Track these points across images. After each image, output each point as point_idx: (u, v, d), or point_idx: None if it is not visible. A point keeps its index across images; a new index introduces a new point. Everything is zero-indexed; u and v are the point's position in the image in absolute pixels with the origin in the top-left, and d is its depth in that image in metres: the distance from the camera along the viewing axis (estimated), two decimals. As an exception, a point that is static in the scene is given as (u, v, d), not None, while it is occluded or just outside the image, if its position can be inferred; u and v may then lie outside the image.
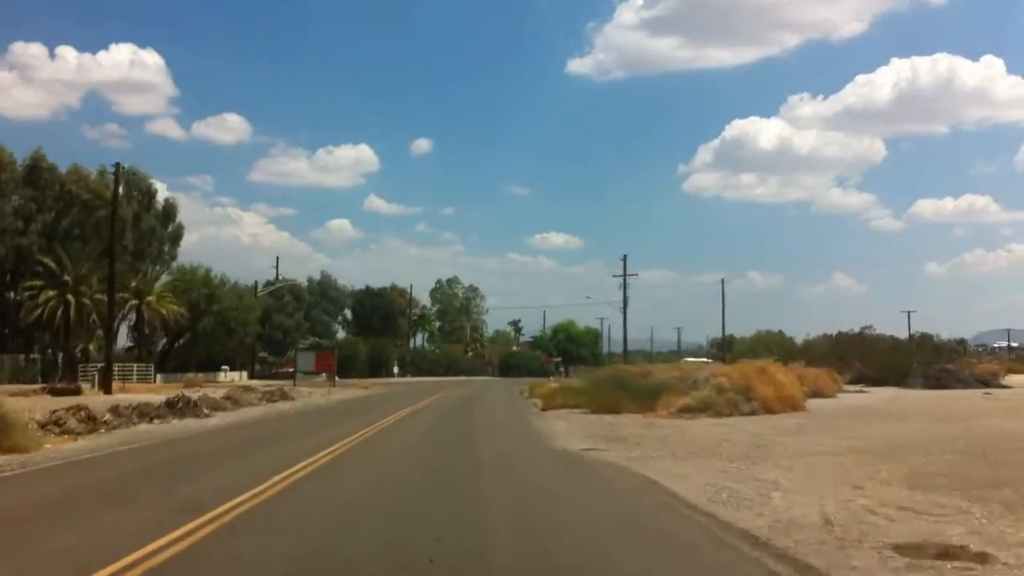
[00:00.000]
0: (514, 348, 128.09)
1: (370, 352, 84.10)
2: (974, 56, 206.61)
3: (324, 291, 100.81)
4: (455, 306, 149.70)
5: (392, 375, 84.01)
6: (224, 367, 67.20)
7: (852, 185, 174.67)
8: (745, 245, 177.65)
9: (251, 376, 70.03)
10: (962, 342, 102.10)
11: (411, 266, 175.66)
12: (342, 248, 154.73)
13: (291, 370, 76.62)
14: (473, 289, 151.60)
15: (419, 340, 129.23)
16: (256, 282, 74.98)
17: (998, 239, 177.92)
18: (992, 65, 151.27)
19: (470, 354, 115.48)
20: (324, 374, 56.85)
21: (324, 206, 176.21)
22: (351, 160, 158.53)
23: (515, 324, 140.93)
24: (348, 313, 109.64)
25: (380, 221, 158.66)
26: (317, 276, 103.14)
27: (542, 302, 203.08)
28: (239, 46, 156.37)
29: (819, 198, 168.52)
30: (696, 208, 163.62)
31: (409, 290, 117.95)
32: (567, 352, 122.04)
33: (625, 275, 66.08)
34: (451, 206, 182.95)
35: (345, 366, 79.98)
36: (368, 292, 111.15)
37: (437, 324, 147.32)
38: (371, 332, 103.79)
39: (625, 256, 67.09)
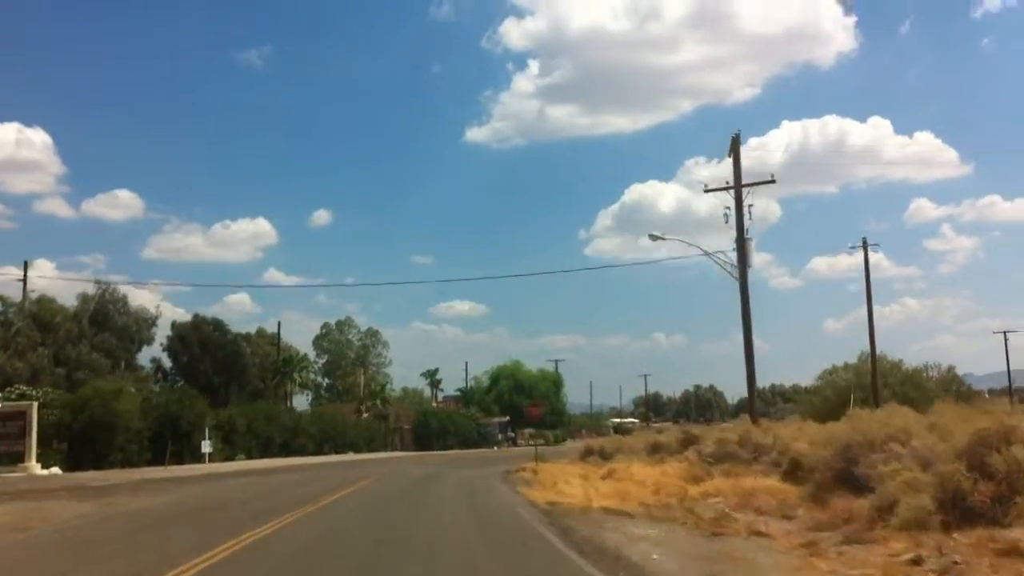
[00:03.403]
0: (434, 405, 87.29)
1: (158, 415, 42.13)
2: (862, 117, 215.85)
3: (104, 317, 58.28)
4: (349, 357, 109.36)
5: (202, 456, 42.14)
6: None
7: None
8: (648, 307, 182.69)
9: None
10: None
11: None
12: (242, 322, 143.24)
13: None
14: (372, 333, 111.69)
15: (302, 402, 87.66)
16: None
17: (891, 294, 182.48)
18: (879, 125, 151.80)
19: (366, 415, 73.51)
20: None
21: (222, 281, 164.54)
22: (249, 234, 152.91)
23: (431, 374, 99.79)
24: (165, 356, 67.73)
25: (280, 294, 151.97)
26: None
27: (452, 369, 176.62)
28: (129, 122, 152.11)
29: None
30: (599, 272, 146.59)
31: (277, 328, 77.31)
32: (514, 407, 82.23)
33: (738, 171, 26.42)
34: (353, 277, 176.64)
35: (87, 442, 38.33)
36: (196, 325, 69.28)
37: (324, 381, 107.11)
38: (202, 386, 62.87)
39: (738, 134, 27.54)
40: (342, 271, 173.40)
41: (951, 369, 61.77)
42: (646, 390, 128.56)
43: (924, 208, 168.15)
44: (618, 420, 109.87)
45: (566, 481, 20.51)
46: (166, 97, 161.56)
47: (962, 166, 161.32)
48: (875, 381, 40.33)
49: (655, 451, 28.03)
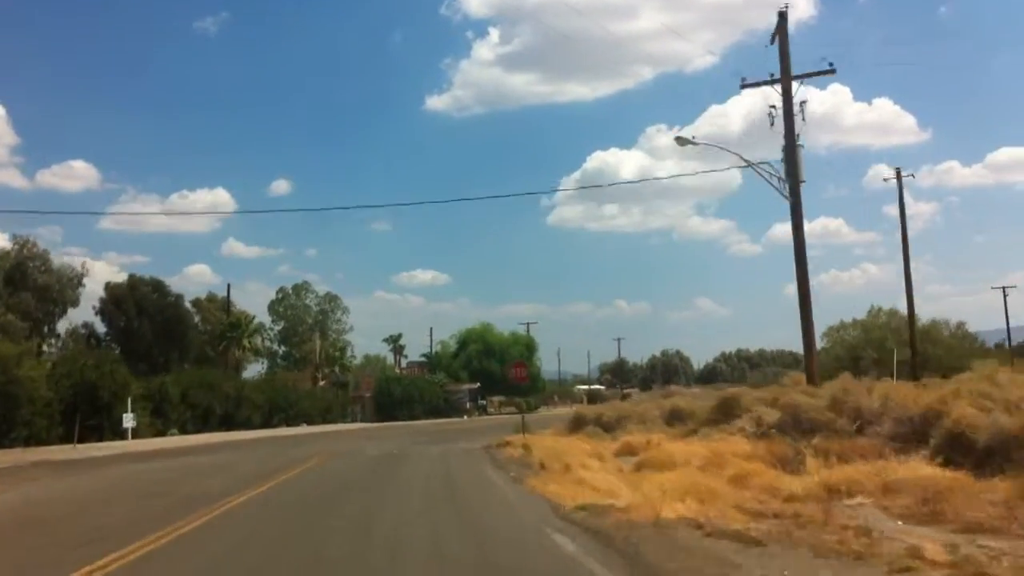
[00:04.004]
0: (397, 372, 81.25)
1: (72, 383, 35.66)
2: (822, 84, 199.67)
3: (22, 275, 51.41)
4: (307, 322, 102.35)
5: (123, 432, 35.75)
6: None
7: (711, 212, 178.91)
8: (611, 274, 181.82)
9: None
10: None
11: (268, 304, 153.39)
12: (202, 294, 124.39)
13: None
14: (332, 298, 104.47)
15: (257, 371, 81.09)
16: None
17: (851, 259, 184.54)
18: (839, 92, 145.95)
19: (322, 383, 67.28)
20: None
21: (180, 252, 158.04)
22: (207, 204, 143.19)
23: (394, 340, 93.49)
24: (98, 319, 61.24)
25: (240, 264, 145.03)
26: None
27: (416, 338, 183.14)
28: (82, 92, 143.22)
29: (680, 226, 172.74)
30: (561, 240, 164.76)
31: (227, 290, 70.82)
32: (486, 374, 76.38)
33: (786, 59, 20.49)
34: (314, 247, 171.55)
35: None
36: (132, 285, 62.66)
37: (280, 349, 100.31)
38: (140, 353, 56.91)
39: (786, 9, 21.67)
40: (301, 240, 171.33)
41: (961, 325, 56.93)
42: (619, 355, 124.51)
43: (883, 174, 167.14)
44: (586, 387, 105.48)
45: (582, 464, 14.68)
46: (120, 66, 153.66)
47: (920, 132, 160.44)
48: (913, 337, 34.75)
49: (677, 420, 22.34)
